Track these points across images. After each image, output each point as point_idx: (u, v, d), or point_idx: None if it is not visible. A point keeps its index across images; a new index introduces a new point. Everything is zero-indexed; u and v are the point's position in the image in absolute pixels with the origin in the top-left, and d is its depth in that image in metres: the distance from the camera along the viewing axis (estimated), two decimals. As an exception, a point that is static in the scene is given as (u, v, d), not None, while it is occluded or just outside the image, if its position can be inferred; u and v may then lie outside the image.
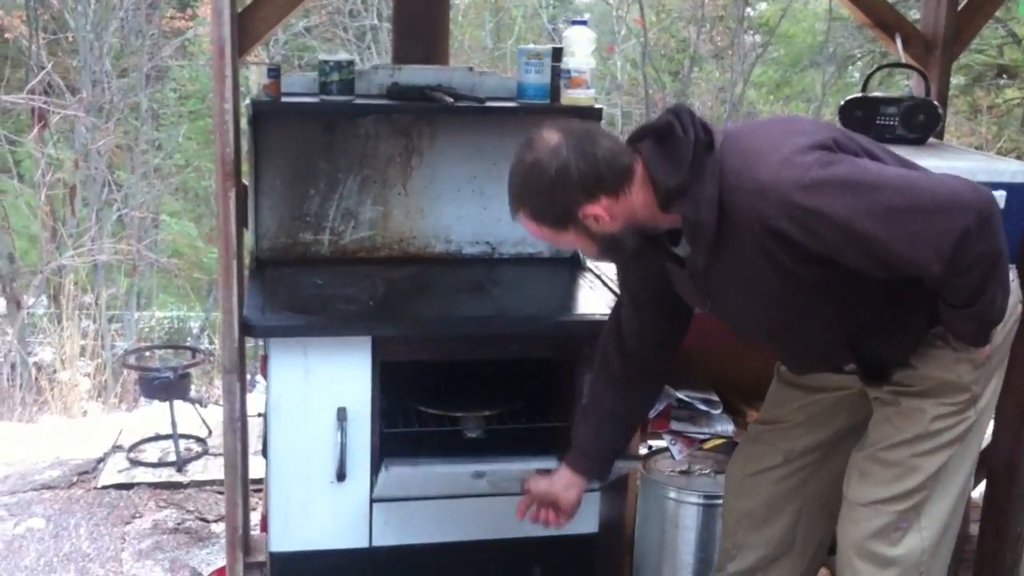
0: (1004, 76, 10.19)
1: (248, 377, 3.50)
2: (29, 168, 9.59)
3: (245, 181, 3.09)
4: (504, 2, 11.86)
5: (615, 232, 2.05)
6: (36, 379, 7.39)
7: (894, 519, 2.25)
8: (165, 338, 9.84)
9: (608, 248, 2.11)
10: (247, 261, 3.16)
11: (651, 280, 2.30)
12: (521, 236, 3.39)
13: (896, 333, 2.19)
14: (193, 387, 4.80)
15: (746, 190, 1.94)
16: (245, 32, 3.02)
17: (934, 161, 2.81)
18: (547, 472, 2.50)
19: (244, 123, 3.08)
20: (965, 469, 2.31)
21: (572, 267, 3.36)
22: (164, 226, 10.76)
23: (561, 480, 2.46)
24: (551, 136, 2.00)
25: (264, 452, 2.79)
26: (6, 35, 9.90)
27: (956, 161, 2.85)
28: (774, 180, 1.91)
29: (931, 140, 3.14)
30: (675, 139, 2.00)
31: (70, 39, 9.84)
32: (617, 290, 3.00)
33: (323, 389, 2.71)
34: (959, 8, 3.41)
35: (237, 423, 2.78)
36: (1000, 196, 2.78)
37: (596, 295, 3.06)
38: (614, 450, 2.50)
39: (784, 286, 2.05)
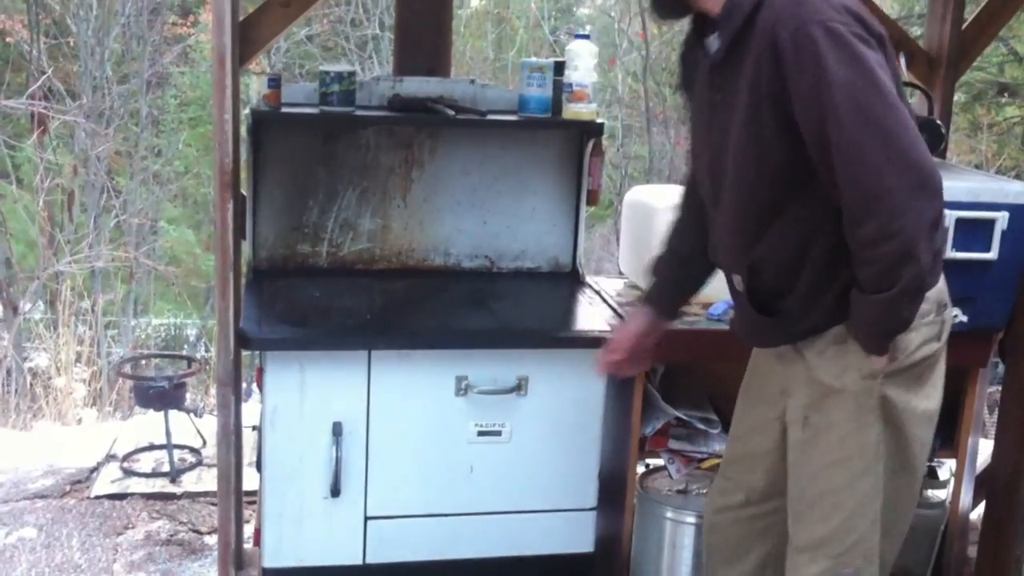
0: (1005, 94, 10.17)
1: (244, 385, 3.48)
2: (28, 173, 9.57)
3: (244, 191, 3.08)
4: (506, 13, 11.86)
5: None
6: (31, 385, 7.36)
7: (831, 564, 2.17)
8: (162, 345, 9.81)
9: None
10: (244, 271, 3.15)
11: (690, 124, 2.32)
12: (520, 250, 3.37)
13: (795, 280, 2.12)
14: (188, 396, 4.77)
15: (780, 2, 1.94)
16: (247, 41, 3.01)
17: (938, 181, 2.80)
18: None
19: (243, 132, 3.06)
20: (899, 501, 2.21)
21: (571, 282, 3.34)
22: (162, 232, 10.74)
23: (639, 323, 2.47)
24: None
25: (258, 466, 2.77)
26: (7, 39, 9.88)
27: (959, 181, 2.84)
28: (810, 3, 1.91)
29: (934, 159, 3.12)
30: None
31: (71, 44, 9.83)
32: (615, 305, 3.03)
33: (319, 403, 2.69)
34: (963, 27, 3.40)
35: (231, 436, 2.76)
36: (1003, 217, 2.78)
37: (595, 310, 3.04)
38: (683, 292, 2.50)
39: (748, 125, 2.02)
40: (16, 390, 7.54)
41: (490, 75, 10.97)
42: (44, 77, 8.91)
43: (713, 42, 2.10)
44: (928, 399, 2.19)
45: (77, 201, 9.55)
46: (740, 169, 2.09)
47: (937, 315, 2.16)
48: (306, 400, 2.69)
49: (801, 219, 2.07)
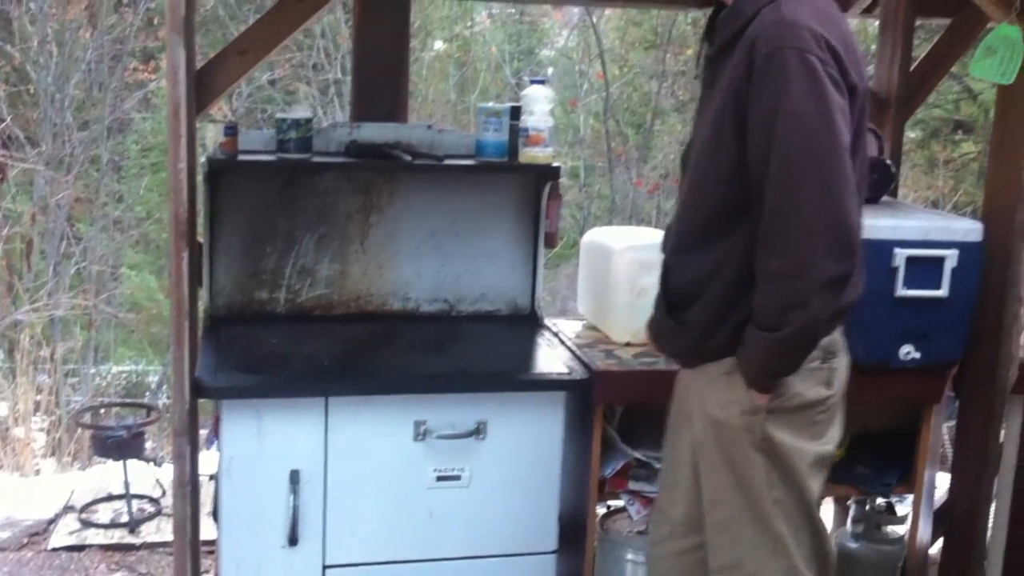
0: (960, 131, 10.34)
1: (205, 432, 3.45)
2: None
3: (201, 239, 3.07)
4: (467, 57, 11.95)
5: None
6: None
7: None
8: (123, 393, 9.69)
9: None
10: (202, 319, 3.13)
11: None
12: (480, 293, 3.38)
13: (702, 293, 2.17)
14: (148, 445, 4.72)
15: (769, 19, 2.00)
16: (204, 89, 3.01)
17: (888, 220, 2.85)
18: None
19: (200, 179, 3.06)
20: (797, 535, 2.23)
21: (530, 324, 3.34)
22: (124, 278, 10.65)
23: None
24: None
25: (215, 515, 2.74)
26: (-34, 87, 9.82)
27: (909, 220, 2.89)
28: (793, 23, 1.96)
29: (885, 198, 3.17)
30: None
31: (31, 91, 9.79)
32: (573, 347, 3.04)
33: (276, 451, 2.67)
34: (912, 68, 3.46)
35: (187, 487, 2.73)
36: (952, 255, 2.83)
37: (554, 352, 3.05)
38: None
39: (714, 125, 2.07)
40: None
41: (452, 118, 11.02)
42: (3, 125, 8.84)
43: (714, 38, 2.17)
44: (818, 443, 2.21)
45: (36, 248, 9.46)
46: (698, 164, 2.15)
47: (824, 362, 2.18)
48: (263, 448, 2.66)
49: (730, 234, 2.11)
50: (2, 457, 6.67)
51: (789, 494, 2.19)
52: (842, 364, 2.24)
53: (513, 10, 11.74)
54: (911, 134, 10.78)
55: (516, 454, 2.84)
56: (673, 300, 2.23)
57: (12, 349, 8.00)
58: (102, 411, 6.06)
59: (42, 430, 7.68)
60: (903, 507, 3.27)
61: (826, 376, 2.19)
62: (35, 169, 9.00)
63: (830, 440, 2.24)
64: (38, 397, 7.67)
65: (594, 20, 10.70)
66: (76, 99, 9.80)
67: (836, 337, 2.21)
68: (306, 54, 9.97)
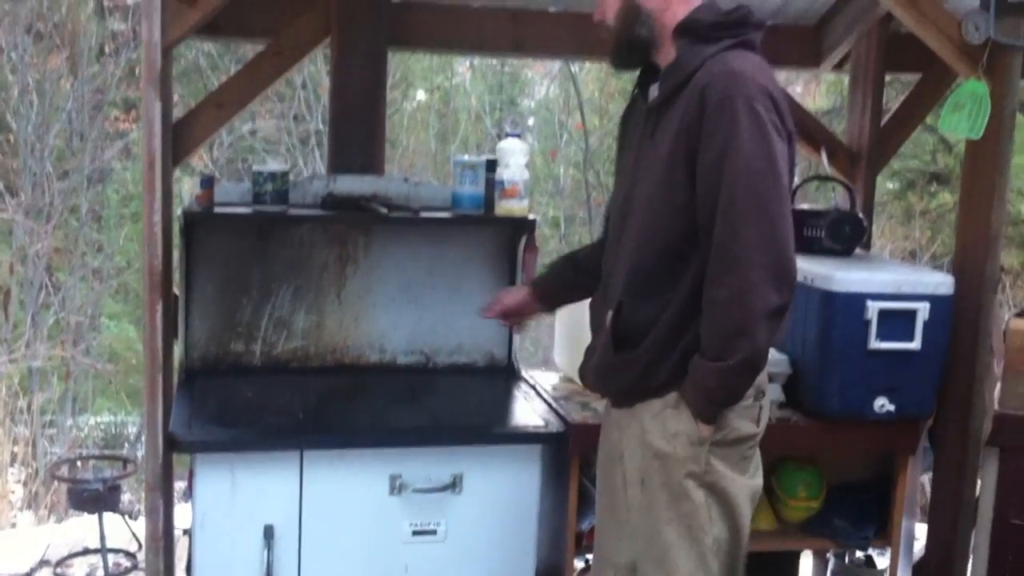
0: (936, 182, 10.45)
1: (183, 484, 3.41)
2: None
3: (177, 290, 3.07)
4: (446, 109, 12.02)
5: (642, 7, 2.23)
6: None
7: None
8: (101, 444, 9.60)
9: (626, 19, 2.25)
10: (177, 371, 3.12)
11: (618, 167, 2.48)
12: (456, 345, 3.38)
13: (651, 327, 2.23)
14: (126, 497, 4.68)
15: (717, 70, 2.12)
16: (181, 141, 3.03)
17: (860, 273, 2.88)
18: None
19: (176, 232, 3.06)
20: (735, 566, 2.28)
21: (507, 376, 3.35)
22: (103, 328, 10.58)
23: (522, 294, 2.77)
24: None
25: (188, 571, 2.71)
26: (-55, 135, 9.82)
27: (881, 273, 2.91)
28: (740, 73, 2.10)
29: (858, 251, 3.20)
30: (730, 12, 2.21)
31: (11, 141, 9.78)
32: (550, 399, 3.04)
33: (250, 505, 2.66)
34: (882, 123, 3.51)
35: (160, 542, 2.70)
36: (923, 307, 2.85)
37: (531, 405, 3.05)
38: (560, 285, 2.73)
39: (666, 167, 2.17)
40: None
41: (433, 168, 11.07)
42: (-20, 175, 8.84)
43: (654, 90, 2.26)
44: (750, 477, 2.30)
45: (15, 299, 9.41)
46: (649, 205, 2.23)
47: (755, 400, 2.27)
48: (237, 503, 2.65)
49: (679, 271, 2.20)
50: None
51: (727, 531, 2.26)
52: (767, 403, 2.33)
53: (494, 61, 11.84)
54: (889, 185, 10.89)
55: (492, 507, 2.83)
56: (622, 337, 2.28)
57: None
58: (79, 463, 6.00)
59: (19, 482, 7.60)
60: (883, 559, 3.26)
61: (756, 413, 2.28)
62: (13, 219, 8.97)
63: (758, 475, 2.34)
64: (15, 449, 7.59)
65: (574, 71, 10.80)
66: (56, 148, 9.79)
67: (764, 376, 2.28)
68: (287, 105, 10.01)
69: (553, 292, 2.75)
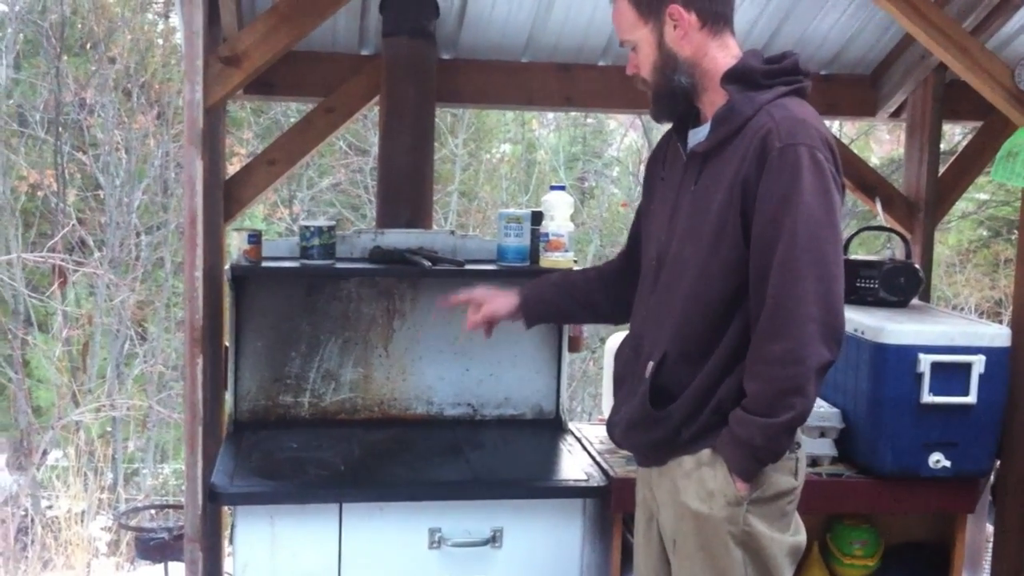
0: (1022, 229, 10.18)
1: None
2: (54, 322, 9.74)
3: (227, 342, 3.11)
4: (525, 159, 12.11)
5: (679, 56, 2.19)
6: (43, 535, 7.33)
7: None
8: (177, 493, 9.77)
9: (663, 70, 2.21)
10: (226, 423, 3.16)
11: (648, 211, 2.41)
12: (503, 397, 3.37)
13: (692, 379, 2.18)
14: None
15: (780, 116, 2.08)
16: (232, 198, 3.09)
17: (912, 325, 2.80)
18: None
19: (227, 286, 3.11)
20: None
21: (554, 429, 3.32)
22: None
23: (501, 297, 2.64)
24: None
25: (228, 623, 2.72)
26: (38, 192, 10.18)
27: (934, 325, 2.83)
28: (803, 121, 2.07)
29: (915, 302, 3.12)
30: (780, 59, 2.17)
31: (100, 197, 10.11)
32: (595, 453, 3.00)
33: (289, 558, 2.67)
34: (940, 173, 3.43)
35: (200, 593, 2.72)
36: (979, 360, 2.76)
37: (575, 459, 3.01)
38: (550, 313, 2.71)
39: (720, 214, 2.11)
40: (33, 540, 7.51)
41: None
42: (65, 231, 9.14)
43: (697, 134, 2.23)
44: (790, 534, 2.22)
45: (97, 351, 9.67)
46: (698, 260, 2.17)
47: (791, 452, 2.19)
48: (276, 555, 2.66)
49: (726, 327, 2.15)
50: (53, 557, 6.73)
51: None
52: (803, 455, 2.26)
53: (577, 112, 11.91)
54: (975, 232, 10.62)
55: (532, 562, 2.80)
56: (661, 391, 2.22)
57: (71, 449, 8.14)
58: (152, 512, 6.09)
59: (104, 529, 7.75)
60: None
61: (794, 466, 2.21)
62: (95, 273, 9.25)
63: (800, 531, 2.26)
64: (100, 496, 7.75)
65: (644, 121, 10.80)
66: (143, 204, 10.09)
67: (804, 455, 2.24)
68: (364, 159, 10.19)
69: (540, 313, 2.69)
